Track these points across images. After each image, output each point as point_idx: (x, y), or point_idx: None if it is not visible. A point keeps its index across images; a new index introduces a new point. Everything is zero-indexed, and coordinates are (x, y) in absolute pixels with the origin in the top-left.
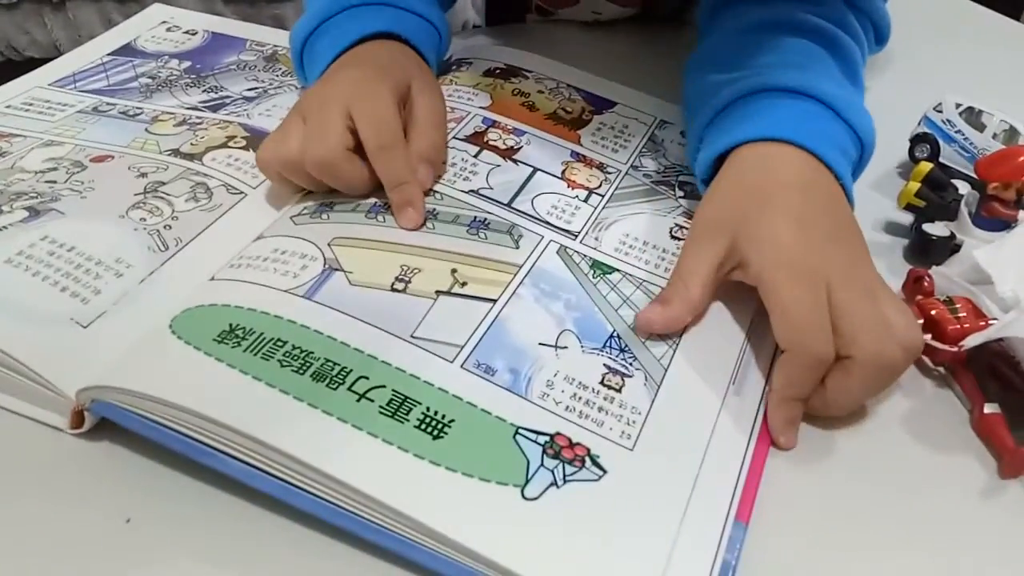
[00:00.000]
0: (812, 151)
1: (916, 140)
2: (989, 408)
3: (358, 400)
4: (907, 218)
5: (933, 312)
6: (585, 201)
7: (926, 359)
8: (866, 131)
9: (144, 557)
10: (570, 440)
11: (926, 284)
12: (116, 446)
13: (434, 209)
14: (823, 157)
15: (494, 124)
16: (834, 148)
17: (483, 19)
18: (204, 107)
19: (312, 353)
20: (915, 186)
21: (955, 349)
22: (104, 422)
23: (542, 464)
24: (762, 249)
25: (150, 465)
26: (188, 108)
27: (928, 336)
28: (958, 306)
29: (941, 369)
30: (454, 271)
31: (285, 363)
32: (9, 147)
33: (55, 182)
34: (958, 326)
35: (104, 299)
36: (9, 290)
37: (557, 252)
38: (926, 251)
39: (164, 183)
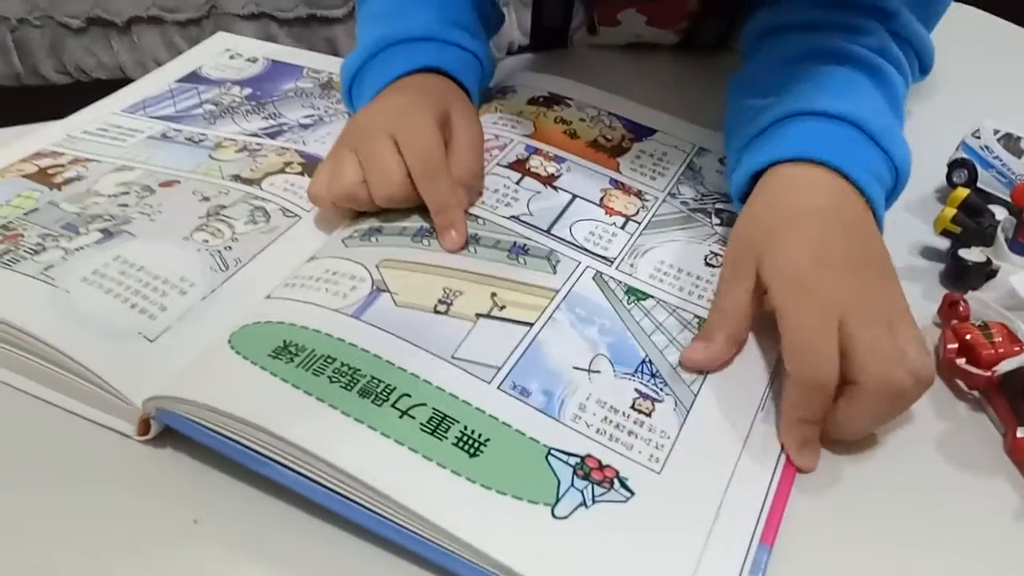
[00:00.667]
0: (844, 172)
1: (954, 165)
2: (1023, 432)
3: (400, 417)
4: (944, 243)
5: (968, 336)
6: (622, 228)
7: (961, 383)
8: (902, 159)
9: (212, 554)
10: (600, 462)
11: (961, 309)
12: (179, 452)
13: (476, 234)
14: (855, 179)
15: (536, 151)
16: (867, 172)
17: (528, 41)
18: (263, 134)
19: (359, 370)
20: (951, 212)
21: (989, 374)
22: (168, 429)
23: (572, 484)
24: (780, 275)
25: (210, 472)
26: (249, 135)
27: (963, 360)
28: (993, 331)
29: (975, 393)
30: (494, 295)
31: (334, 379)
32: (86, 171)
33: (127, 205)
34: (992, 351)
35: (169, 315)
36: (84, 306)
37: (593, 278)
38: (962, 276)
39: (225, 206)
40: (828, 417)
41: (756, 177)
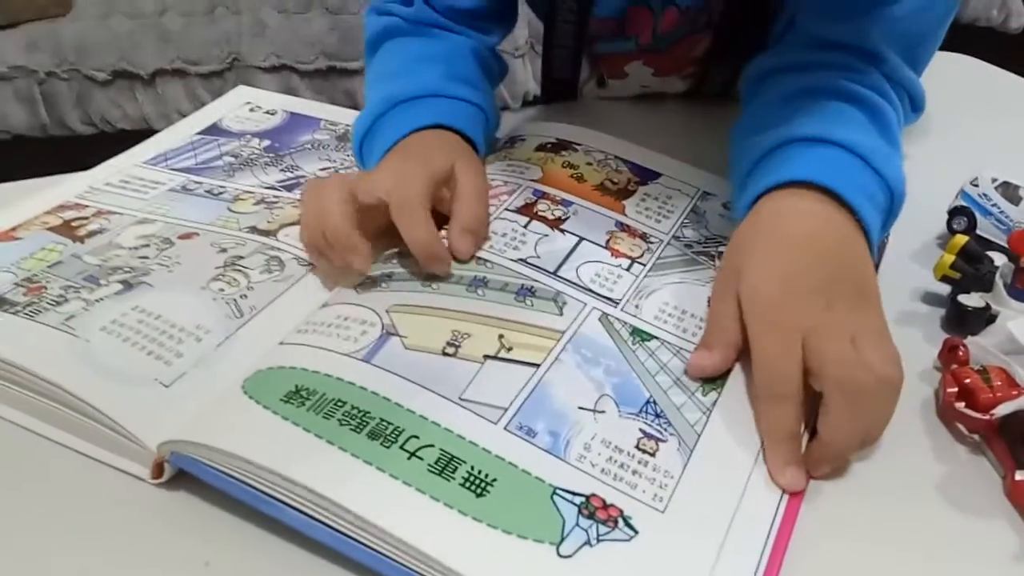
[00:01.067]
0: (836, 193)
1: (953, 213)
2: (1021, 475)
3: (409, 458)
4: (944, 289)
5: (967, 380)
6: (627, 270)
7: (960, 426)
8: (895, 179)
9: None
10: (604, 501)
11: (961, 353)
12: (192, 496)
13: (484, 277)
14: (847, 199)
15: (543, 196)
16: (857, 190)
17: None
18: (280, 186)
19: (369, 413)
20: (950, 258)
21: (987, 417)
22: (181, 473)
23: (577, 523)
24: (749, 300)
25: (222, 515)
26: (266, 188)
27: (962, 404)
28: (992, 375)
29: (975, 437)
30: (501, 336)
31: (344, 422)
32: (108, 224)
33: (147, 257)
34: (991, 395)
35: (185, 361)
36: (102, 354)
37: (599, 319)
38: (962, 321)
39: (242, 257)
40: (814, 445)
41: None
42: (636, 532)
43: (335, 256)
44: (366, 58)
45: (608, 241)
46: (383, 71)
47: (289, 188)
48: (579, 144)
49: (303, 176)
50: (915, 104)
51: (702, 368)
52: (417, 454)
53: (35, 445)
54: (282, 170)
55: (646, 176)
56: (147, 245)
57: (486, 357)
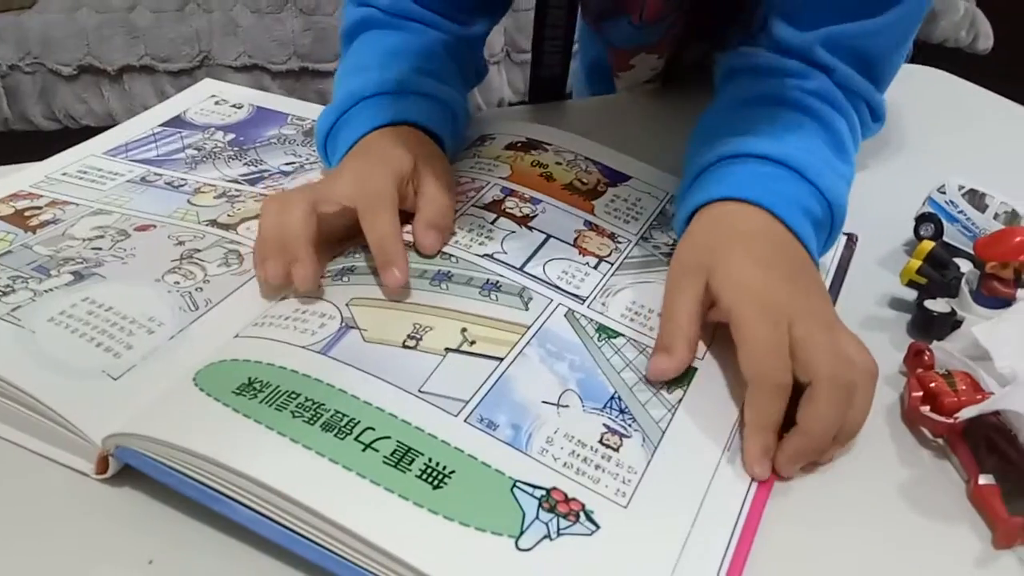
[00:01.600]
0: (768, 208)
1: (920, 219)
2: (984, 479)
3: (364, 450)
4: (911, 294)
5: (932, 384)
6: (595, 268)
7: (925, 430)
8: (834, 192)
9: None
10: (566, 495)
11: (926, 358)
12: (137, 492)
13: (449, 271)
14: (778, 213)
15: (512, 193)
16: (793, 206)
17: (521, 97)
18: (244, 180)
19: (323, 405)
20: (916, 263)
21: (951, 420)
22: (126, 470)
23: (537, 517)
24: (732, 287)
25: (167, 511)
26: (229, 181)
27: (927, 408)
28: (956, 380)
29: (940, 440)
30: (464, 330)
31: (297, 414)
32: (62, 214)
33: (100, 249)
34: (955, 398)
35: (135, 353)
36: (49, 345)
37: (565, 315)
38: (928, 326)
39: (200, 250)
40: (793, 436)
41: (693, 215)
42: (598, 527)
43: (279, 262)
44: (341, 48)
45: (576, 239)
46: (354, 64)
47: (252, 182)
48: (549, 144)
49: (267, 170)
50: (875, 114)
51: (663, 371)
52: (372, 446)
53: None
54: (246, 164)
55: (616, 178)
56: (102, 236)
57: (448, 350)
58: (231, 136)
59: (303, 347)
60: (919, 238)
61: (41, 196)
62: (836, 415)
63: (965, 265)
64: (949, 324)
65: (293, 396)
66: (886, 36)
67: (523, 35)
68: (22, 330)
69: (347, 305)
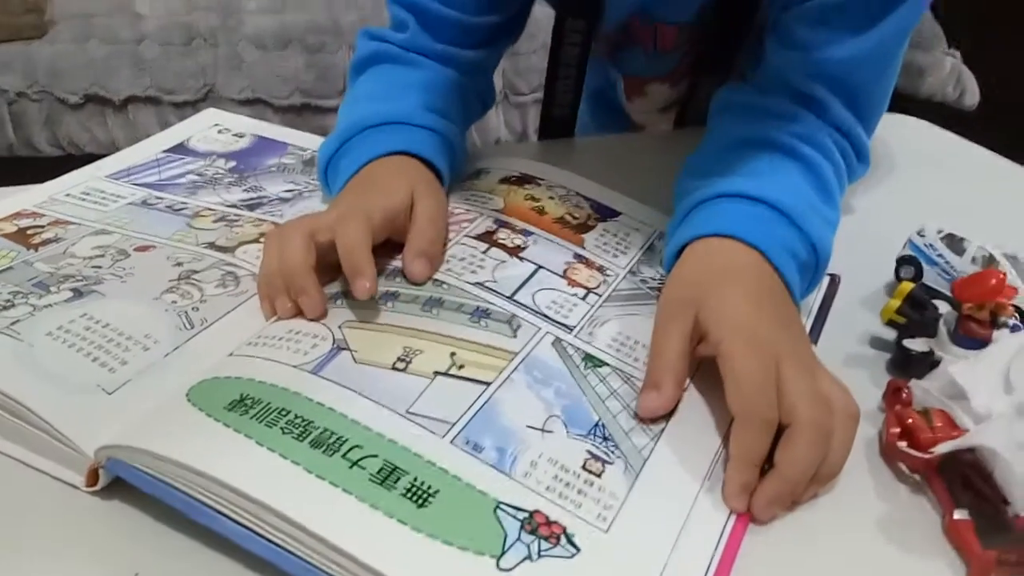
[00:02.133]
0: (756, 247)
1: (901, 262)
2: (959, 514)
3: (351, 467)
4: (891, 333)
5: (909, 420)
6: (583, 299)
7: (902, 466)
8: (819, 237)
9: None
10: (547, 518)
11: (905, 395)
12: (126, 505)
13: (440, 298)
14: (766, 252)
15: (504, 225)
16: (780, 248)
17: (517, 137)
18: (243, 205)
19: (312, 422)
20: (896, 303)
21: (927, 456)
22: (116, 484)
23: (519, 538)
24: (722, 321)
25: (154, 524)
26: (228, 206)
27: (903, 443)
28: (933, 417)
29: (916, 476)
30: (453, 354)
31: (287, 430)
32: (64, 233)
33: (100, 267)
34: (931, 435)
35: (130, 369)
36: (45, 358)
37: (552, 344)
38: (906, 365)
39: (197, 271)
40: (770, 478)
41: (682, 251)
42: (578, 550)
43: (288, 298)
44: (349, 78)
45: (566, 271)
46: (360, 94)
47: (251, 207)
48: (542, 179)
49: (266, 196)
50: (860, 156)
51: (652, 410)
52: (359, 463)
53: None
54: (245, 190)
55: (606, 214)
56: (102, 255)
57: (436, 373)
58: (232, 163)
59: (295, 366)
60: (899, 279)
61: (44, 215)
62: (814, 459)
63: (943, 306)
64: (927, 363)
65: (283, 413)
66: (868, 64)
67: (521, 78)
68: (20, 343)
69: (340, 327)
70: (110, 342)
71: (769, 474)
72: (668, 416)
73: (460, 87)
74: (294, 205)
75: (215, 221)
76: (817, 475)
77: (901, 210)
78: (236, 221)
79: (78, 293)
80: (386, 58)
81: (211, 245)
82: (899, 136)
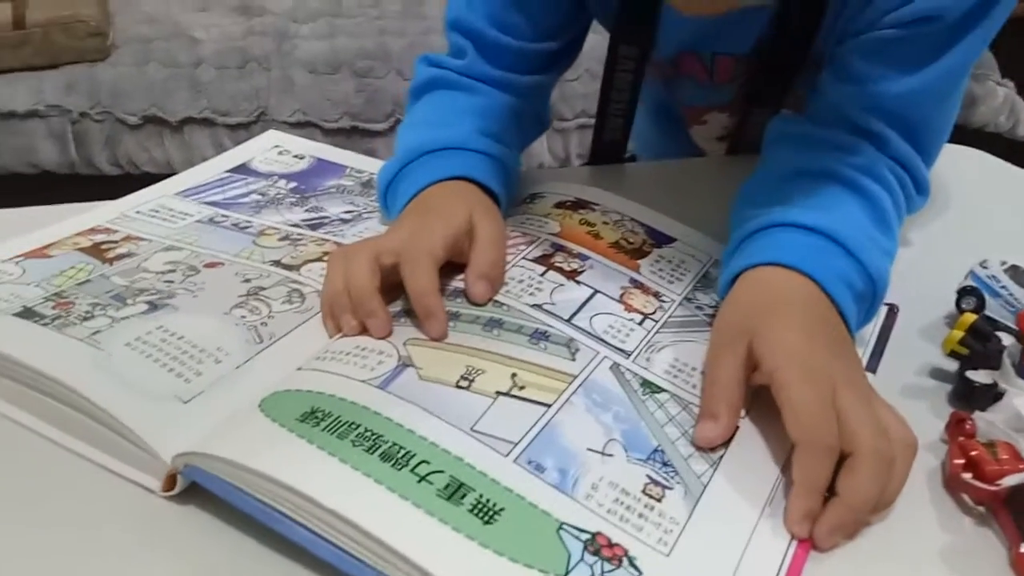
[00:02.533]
0: (812, 277)
1: (962, 293)
2: None
3: (419, 481)
4: (951, 365)
5: (973, 452)
6: (640, 324)
7: (966, 497)
8: (877, 268)
9: None
10: (609, 540)
11: (968, 427)
12: (201, 511)
13: (500, 319)
14: (822, 283)
15: (560, 248)
16: (836, 278)
17: (560, 163)
18: (305, 225)
19: (382, 436)
20: (958, 334)
21: (994, 487)
22: (190, 489)
23: (582, 559)
24: (776, 350)
25: (228, 530)
26: (291, 225)
27: (968, 475)
28: (999, 449)
29: (981, 508)
30: (514, 375)
31: (357, 443)
32: (136, 249)
33: (172, 282)
34: (997, 466)
35: (204, 380)
36: (124, 368)
37: (610, 368)
38: (969, 397)
39: (264, 288)
40: (831, 508)
41: (737, 278)
42: (640, 572)
43: (353, 317)
44: (408, 103)
45: (622, 296)
46: (418, 119)
47: (313, 227)
48: (597, 204)
49: (326, 216)
50: (919, 187)
51: (710, 440)
52: (427, 478)
53: (50, 453)
54: (307, 210)
55: (661, 240)
56: (173, 271)
57: (498, 393)
58: (293, 184)
59: (362, 381)
60: (960, 311)
61: (117, 231)
62: (877, 488)
63: (1007, 338)
64: (991, 395)
65: (353, 426)
66: (927, 99)
67: (565, 104)
68: (100, 352)
69: (404, 344)
70: (184, 354)
71: (832, 502)
72: (727, 443)
73: (516, 111)
74: (354, 226)
75: (280, 240)
76: (875, 504)
77: (959, 241)
78: (300, 240)
79: (153, 306)
80: (443, 84)
81: (277, 263)
82: (958, 167)
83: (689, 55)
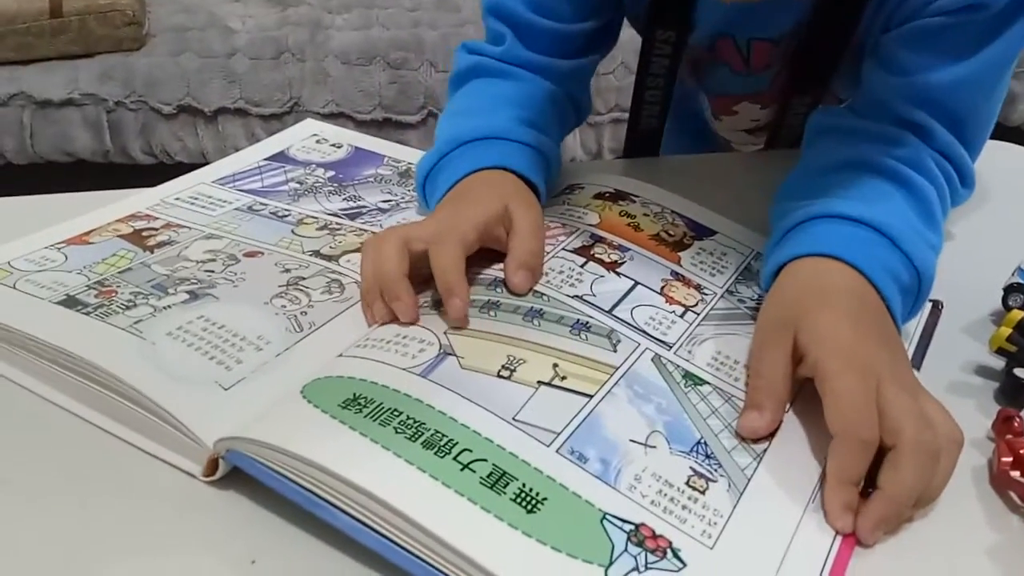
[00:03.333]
0: (858, 268)
1: (1009, 290)
2: None
3: (462, 469)
4: (998, 362)
5: (1022, 450)
6: (681, 317)
7: (1014, 495)
8: (923, 260)
9: None
10: (653, 531)
11: (1016, 424)
12: (241, 496)
13: (541, 309)
14: (867, 274)
15: (601, 240)
16: (882, 270)
17: (592, 157)
18: (343, 214)
19: (424, 424)
20: (1006, 331)
21: None
22: (232, 474)
23: (626, 549)
24: (820, 341)
25: (269, 516)
26: (329, 214)
27: (1017, 473)
28: None
29: None
30: (555, 365)
31: (400, 430)
32: (177, 236)
33: (212, 271)
34: None
35: (244, 367)
36: (167, 356)
37: (652, 360)
38: (1017, 394)
39: (304, 278)
40: (874, 501)
41: (780, 270)
42: (684, 564)
43: (383, 303)
44: (449, 91)
45: (663, 288)
46: (459, 109)
47: (351, 216)
48: (636, 196)
49: (365, 206)
50: (964, 180)
51: (755, 430)
52: (470, 466)
53: (93, 438)
54: (345, 199)
55: (701, 232)
56: (213, 260)
57: (540, 383)
58: (331, 173)
59: (404, 369)
60: (1007, 308)
61: (157, 218)
62: (921, 481)
63: None
64: None
65: (396, 413)
66: (973, 89)
67: (599, 97)
68: (144, 341)
69: (445, 333)
70: (225, 342)
71: (875, 495)
72: (771, 436)
73: (556, 99)
74: (392, 216)
75: (318, 229)
76: (918, 499)
77: (1003, 237)
78: (338, 230)
79: (194, 295)
80: (483, 71)
81: (316, 253)
82: (1002, 162)
83: (725, 40)
